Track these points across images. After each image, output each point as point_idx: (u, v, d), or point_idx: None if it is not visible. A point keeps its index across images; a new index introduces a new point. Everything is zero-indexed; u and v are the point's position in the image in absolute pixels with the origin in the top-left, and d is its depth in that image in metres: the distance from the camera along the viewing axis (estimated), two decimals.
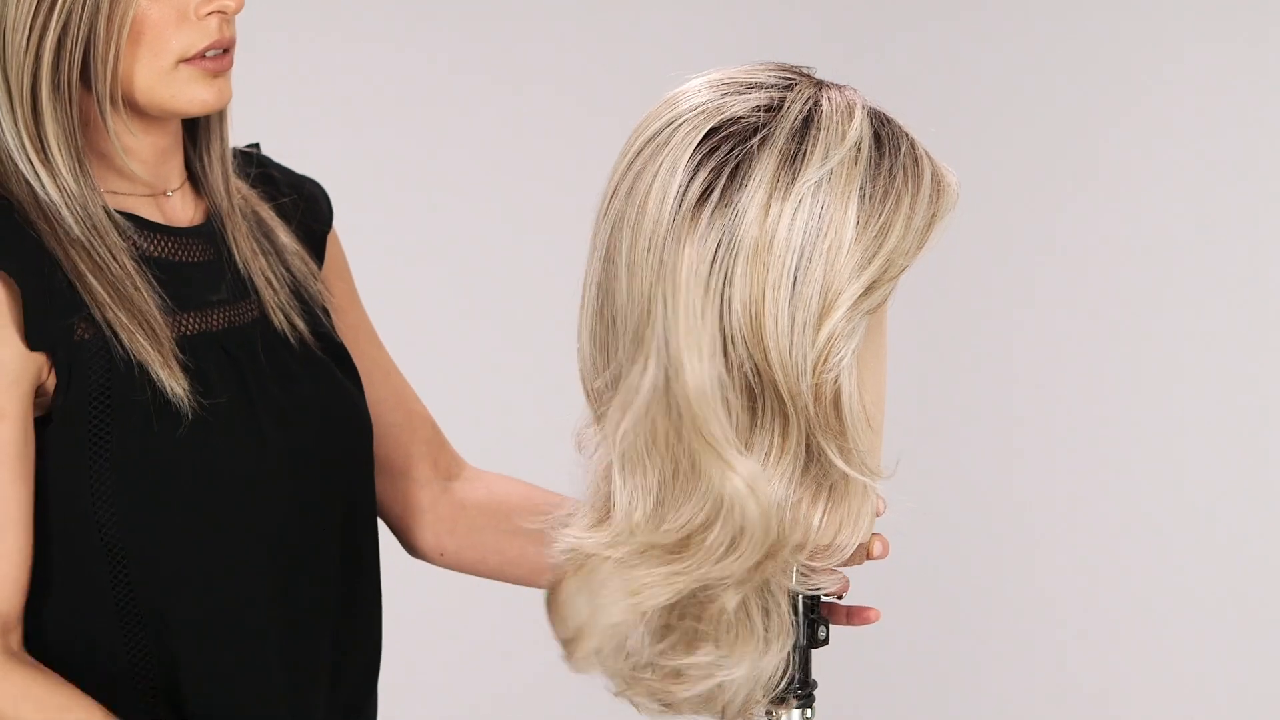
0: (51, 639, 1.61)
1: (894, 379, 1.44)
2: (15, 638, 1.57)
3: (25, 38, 1.56)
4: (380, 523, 1.83)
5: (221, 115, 1.70)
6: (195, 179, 1.71)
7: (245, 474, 1.62)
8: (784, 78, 1.38)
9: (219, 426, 1.62)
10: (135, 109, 1.62)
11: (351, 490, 1.74)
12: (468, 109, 3.23)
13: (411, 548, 1.86)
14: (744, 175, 1.33)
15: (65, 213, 1.59)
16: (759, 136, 1.34)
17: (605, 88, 3.16)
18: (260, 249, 1.73)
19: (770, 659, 1.41)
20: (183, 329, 1.63)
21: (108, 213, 1.61)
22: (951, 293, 3.28)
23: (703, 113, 1.36)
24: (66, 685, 1.56)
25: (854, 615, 1.51)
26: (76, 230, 1.59)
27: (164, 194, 1.68)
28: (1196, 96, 3.05)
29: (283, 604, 1.65)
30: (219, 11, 1.60)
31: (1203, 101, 3.04)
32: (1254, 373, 3.02)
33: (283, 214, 1.78)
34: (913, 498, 1.42)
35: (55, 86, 1.57)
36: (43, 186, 1.58)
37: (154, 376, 1.58)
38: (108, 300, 1.58)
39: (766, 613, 1.41)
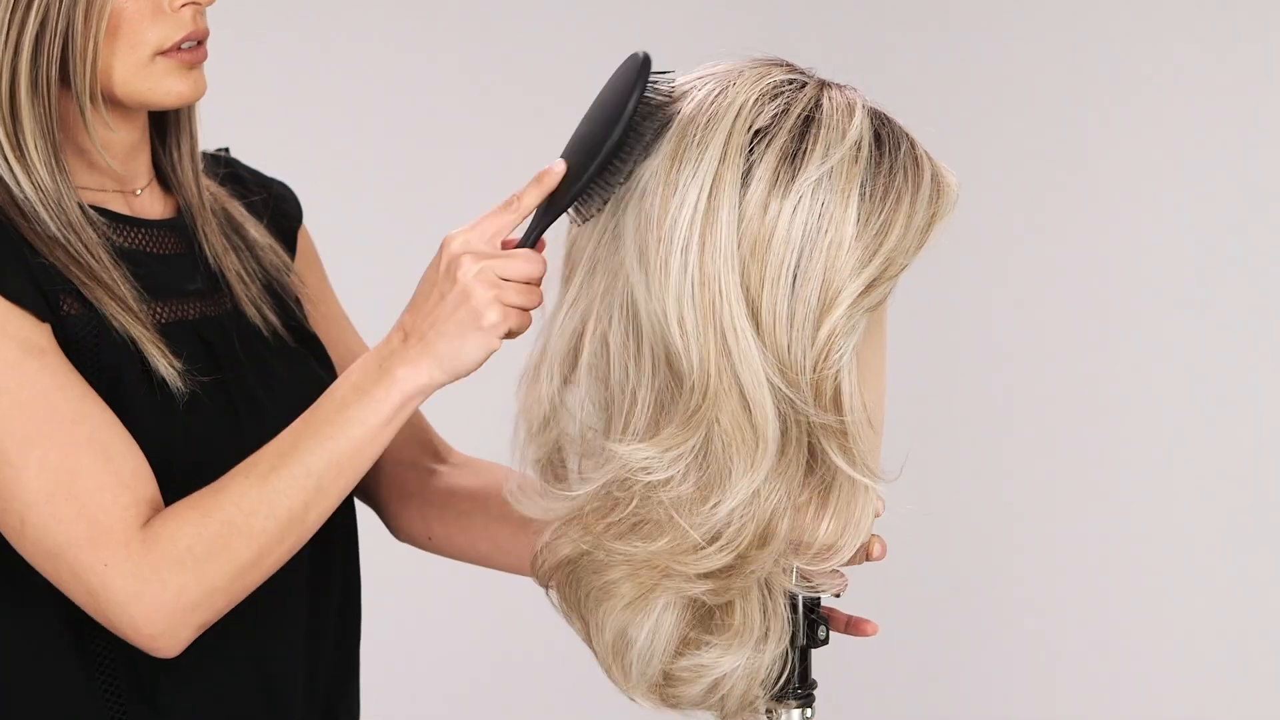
0: (26, 626, 1.59)
1: (891, 380, 1.44)
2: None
3: (3, 35, 1.55)
4: (368, 516, 1.82)
5: (190, 111, 1.70)
6: (163, 179, 1.71)
7: (219, 458, 1.60)
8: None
9: (195, 411, 1.61)
10: (112, 102, 1.61)
11: None
12: (454, 107, 3.23)
13: (398, 532, 1.85)
14: (744, 173, 1.33)
15: (41, 210, 1.58)
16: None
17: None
18: (231, 244, 1.72)
19: (767, 654, 1.42)
20: (157, 317, 1.63)
21: (82, 209, 1.60)
22: (949, 293, 3.26)
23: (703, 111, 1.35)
24: (214, 487, 1.54)
25: (852, 626, 1.52)
26: (53, 227, 1.58)
27: (132, 192, 1.68)
28: (1195, 97, 3.04)
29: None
30: (193, 3, 1.60)
31: (1202, 101, 3.03)
32: (1261, 380, 3.02)
33: (253, 211, 1.78)
34: (912, 499, 1.42)
35: (33, 82, 1.56)
36: (18, 184, 1.57)
37: (147, 356, 1.58)
38: (90, 290, 1.58)
39: (764, 609, 1.42)
